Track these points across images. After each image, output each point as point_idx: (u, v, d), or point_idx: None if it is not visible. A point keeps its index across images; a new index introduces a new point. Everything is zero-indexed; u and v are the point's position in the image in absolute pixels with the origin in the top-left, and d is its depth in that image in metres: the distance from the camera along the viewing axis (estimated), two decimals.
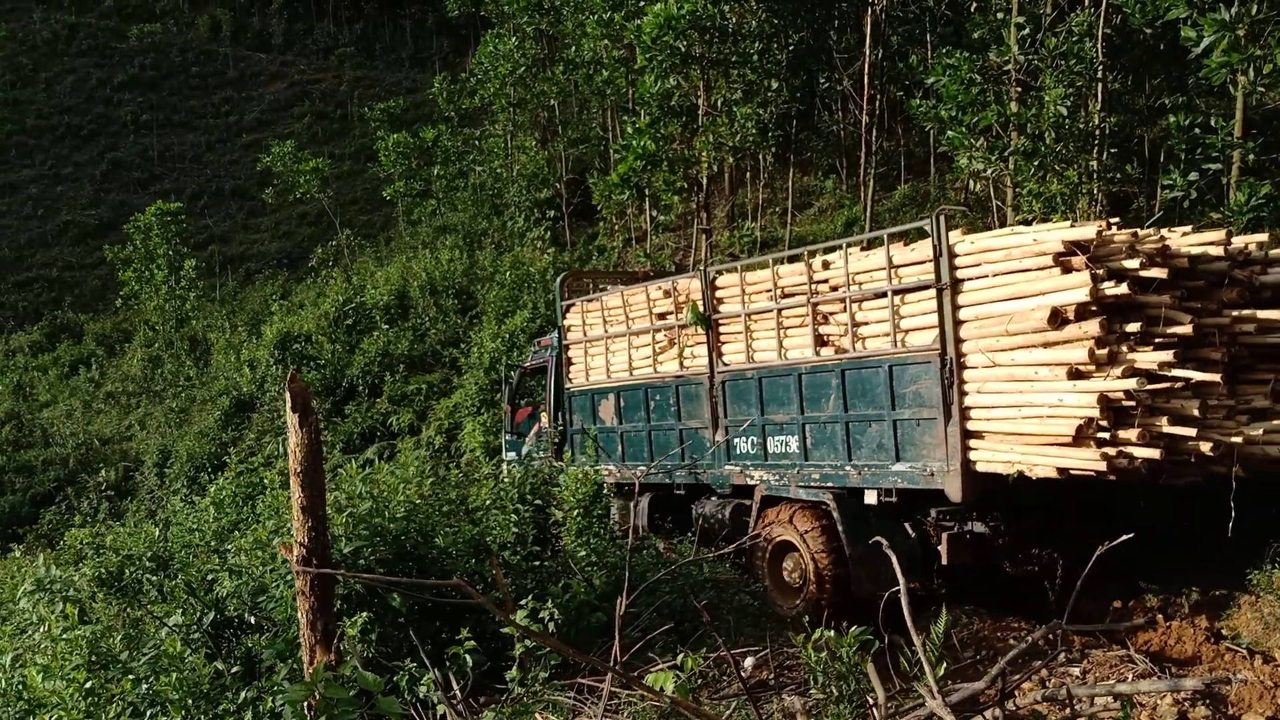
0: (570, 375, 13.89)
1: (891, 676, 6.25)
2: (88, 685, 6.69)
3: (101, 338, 40.32)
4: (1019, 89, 15.35)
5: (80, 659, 6.94)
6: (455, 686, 6.65)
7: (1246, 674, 7.40)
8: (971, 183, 21.05)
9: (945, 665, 6.59)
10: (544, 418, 14.80)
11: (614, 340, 13.10)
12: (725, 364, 11.34)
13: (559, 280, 14.57)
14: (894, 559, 6.02)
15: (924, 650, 5.36)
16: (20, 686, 7.00)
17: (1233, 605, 9.18)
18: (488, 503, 9.43)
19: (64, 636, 7.18)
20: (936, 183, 23.32)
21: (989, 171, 15.57)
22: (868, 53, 20.98)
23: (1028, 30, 15.31)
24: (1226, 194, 12.22)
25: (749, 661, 7.17)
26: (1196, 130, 11.64)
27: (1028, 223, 15.11)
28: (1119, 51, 16.54)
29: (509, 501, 9.38)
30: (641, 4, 21.20)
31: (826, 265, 10.28)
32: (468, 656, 6.91)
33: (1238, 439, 8.01)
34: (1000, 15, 15.96)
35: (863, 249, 10.13)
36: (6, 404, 35.85)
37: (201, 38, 61.71)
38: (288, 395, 5.48)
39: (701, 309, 11.46)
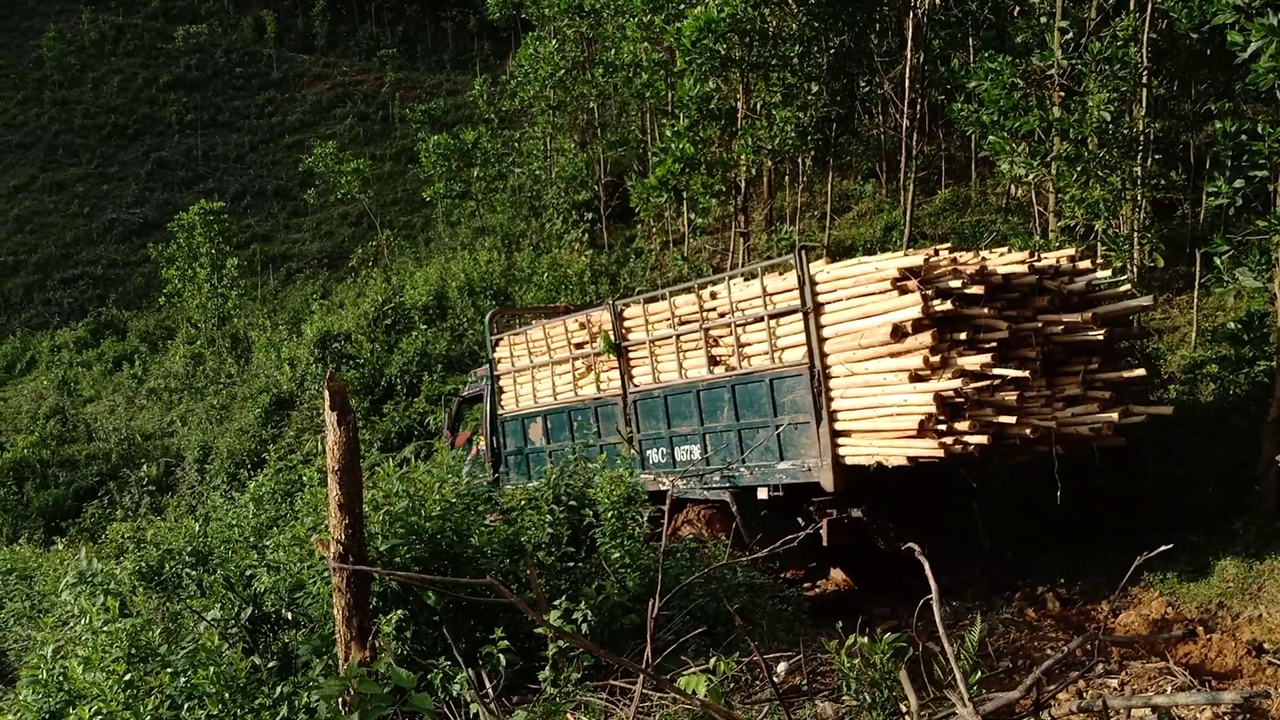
0: (502, 403, 15.08)
1: (925, 684, 6.22)
2: (127, 678, 6.79)
3: (145, 335, 40.66)
4: (1062, 94, 15.17)
5: (120, 651, 7.03)
6: (488, 685, 6.68)
7: None
8: (1013, 188, 20.95)
9: (979, 674, 6.55)
10: (480, 442, 15.76)
11: (539, 369, 14.31)
12: (636, 385, 12.71)
13: (487, 317, 15.94)
14: (925, 564, 5.99)
15: (955, 659, 5.33)
16: (61, 678, 7.11)
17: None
18: (522, 503, 9.48)
19: (104, 629, 7.27)
20: (977, 188, 23.14)
21: (1031, 177, 15.46)
22: (909, 56, 20.87)
23: (1071, 34, 15.13)
24: (1273, 201, 12.04)
25: (782, 667, 7.15)
26: (1243, 136, 11.45)
27: (1071, 228, 15.03)
28: (1164, 56, 16.33)
29: (544, 502, 9.43)
30: (681, 7, 21.19)
31: (714, 295, 11.69)
32: (501, 656, 6.95)
33: (1052, 423, 9.46)
34: (1043, 19, 15.78)
35: (744, 279, 11.50)
36: (51, 399, 36.31)
37: (246, 39, 62.23)
38: (326, 394, 5.53)
39: (612, 338, 12.80)
